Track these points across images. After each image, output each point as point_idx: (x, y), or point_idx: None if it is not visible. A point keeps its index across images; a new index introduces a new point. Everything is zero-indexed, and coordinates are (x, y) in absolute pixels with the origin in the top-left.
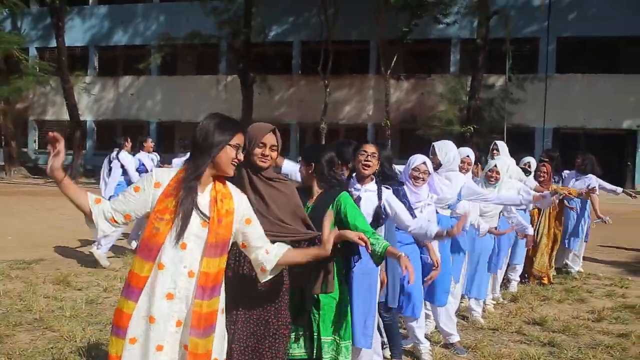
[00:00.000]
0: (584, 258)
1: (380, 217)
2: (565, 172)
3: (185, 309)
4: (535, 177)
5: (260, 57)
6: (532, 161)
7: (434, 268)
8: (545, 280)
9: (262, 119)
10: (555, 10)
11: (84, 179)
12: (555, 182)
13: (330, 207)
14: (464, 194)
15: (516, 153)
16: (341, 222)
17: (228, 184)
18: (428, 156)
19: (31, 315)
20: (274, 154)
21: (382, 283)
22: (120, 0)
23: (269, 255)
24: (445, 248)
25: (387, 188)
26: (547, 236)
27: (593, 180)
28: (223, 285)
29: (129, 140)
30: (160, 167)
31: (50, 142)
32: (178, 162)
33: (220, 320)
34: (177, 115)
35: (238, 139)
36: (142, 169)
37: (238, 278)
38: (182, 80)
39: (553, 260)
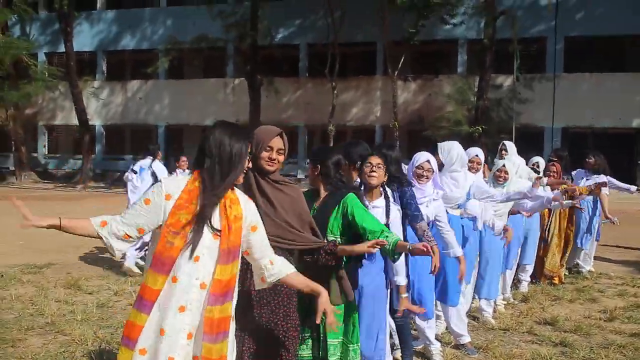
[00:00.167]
0: (595, 257)
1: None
2: (573, 172)
3: (196, 321)
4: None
5: (267, 60)
6: (541, 161)
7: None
8: (556, 280)
9: (269, 121)
10: (562, 10)
11: (93, 183)
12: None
13: (335, 210)
14: (473, 193)
15: (525, 153)
16: (349, 224)
17: (235, 189)
18: (437, 156)
19: (43, 319)
20: (281, 158)
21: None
22: (127, 4)
23: (273, 267)
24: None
25: (395, 202)
26: (557, 236)
27: (602, 180)
28: (236, 291)
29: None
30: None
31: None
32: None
33: (232, 327)
34: (184, 118)
35: (249, 147)
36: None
37: (247, 282)
38: (189, 83)
39: (565, 260)
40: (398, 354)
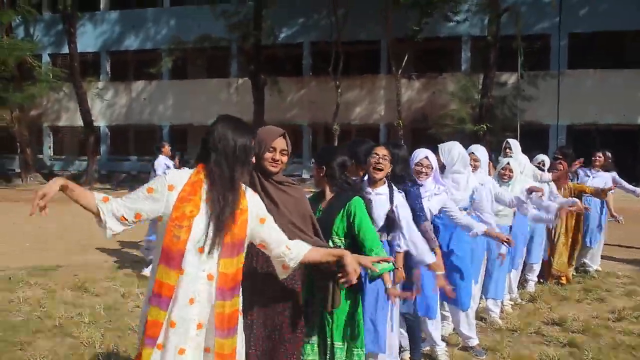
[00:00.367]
0: (602, 257)
1: (393, 221)
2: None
3: (205, 312)
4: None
5: (271, 59)
6: (546, 159)
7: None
8: (564, 280)
9: (273, 120)
10: (566, 6)
11: (98, 184)
12: (570, 180)
13: (341, 212)
14: (472, 202)
15: (530, 151)
16: (350, 227)
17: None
18: (438, 157)
19: (51, 321)
20: (284, 158)
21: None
22: (131, 5)
23: (290, 252)
24: (466, 251)
25: (399, 192)
26: (564, 235)
27: (609, 178)
28: (241, 286)
29: (166, 146)
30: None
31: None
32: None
33: (240, 320)
34: (188, 118)
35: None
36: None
37: (252, 280)
38: (193, 83)
39: (574, 259)
40: (407, 355)
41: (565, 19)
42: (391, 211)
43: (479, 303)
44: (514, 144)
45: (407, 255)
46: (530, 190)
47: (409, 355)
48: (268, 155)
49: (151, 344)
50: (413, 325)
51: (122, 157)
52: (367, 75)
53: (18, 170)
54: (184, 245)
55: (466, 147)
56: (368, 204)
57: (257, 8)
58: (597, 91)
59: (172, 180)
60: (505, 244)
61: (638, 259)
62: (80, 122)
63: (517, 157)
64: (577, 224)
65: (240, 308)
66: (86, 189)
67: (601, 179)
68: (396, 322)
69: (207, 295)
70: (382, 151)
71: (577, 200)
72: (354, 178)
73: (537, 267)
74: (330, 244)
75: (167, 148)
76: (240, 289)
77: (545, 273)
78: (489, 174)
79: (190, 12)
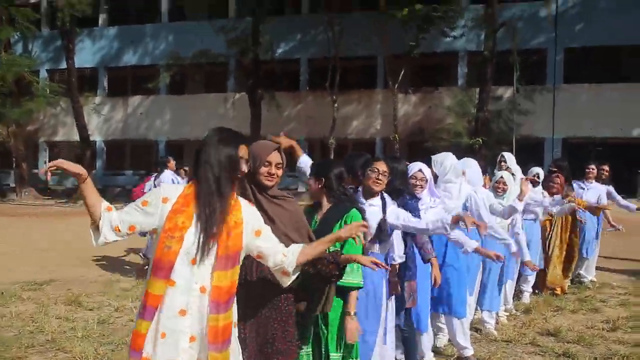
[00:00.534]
0: (596, 268)
1: (384, 231)
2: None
3: (198, 325)
4: (547, 189)
5: (268, 75)
6: (541, 172)
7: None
8: (559, 291)
9: (270, 135)
10: (562, 21)
11: None
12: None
13: (338, 223)
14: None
15: (525, 164)
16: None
17: (237, 196)
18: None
19: (43, 336)
20: (280, 172)
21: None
22: (129, 20)
23: (287, 258)
24: (461, 259)
25: (392, 201)
26: (559, 247)
27: (603, 191)
28: (235, 297)
29: (171, 161)
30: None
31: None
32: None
33: (234, 333)
34: (186, 133)
35: (242, 151)
36: None
37: (246, 291)
38: (190, 99)
39: (570, 271)
40: None
41: (561, 33)
42: (383, 220)
43: (474, 315)
44: (509, 157)
45: (402, 267)
46: (519, 198)
47: None
48: (264, 169)
49: (135, 356)
50: (408, 338)
51: (118, 171)
52: (363, 90)
53: (13, 185)
54: (175, 256)
55: (466, 160)
56: (362, 215)
57: (255, 24)
58: (593, 105)
59: (166, 193)
60: (496, 260)
61: (632, 269)
62: (76, 137)
63: (511, 171)
64: (572, 237)
65: (235, 320)
66: (99, 195)
67: (595, 191)
68: (391, 335)
69: (200, 307)
70: (382, 167)
71: (574, 204)
72: (350, 187)
73: (531, 279)
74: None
75: (172, 163)
76: (234, 301)
77: (540, 284)
78: (486, 186)
79: (189, 28)
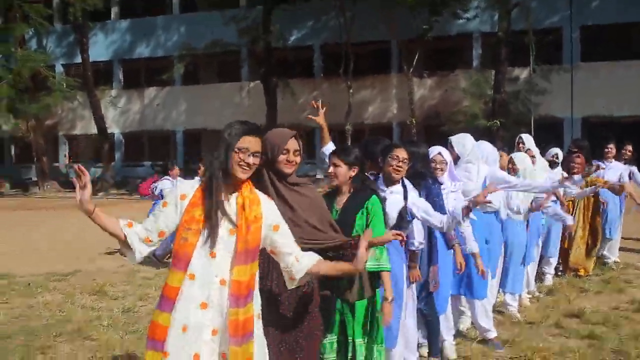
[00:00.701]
0: (620, 248)
1: (404, 218)
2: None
3: (220, 318)
4: (568, 169)
5: (282, 62)
6: (559, 152)
7: (458, 271)
8: (582, 272)
9: (286, 123)
10: None
11: (114, 190)
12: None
13: (361, 210)
14: (488, 184)
15: (544, 145)
16: (368, 225)
17: (255, 189)
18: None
19: (70, 325)
20: (298, 159)
21: (413, 278)
22: (141, 13)
23: (299, 263)
24: (481, 241)
25: (414, 189)
26: (582, 228)
27: (624, 169)
28: (257, 290)
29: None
30: None
31: (76, 175)
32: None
33: (258, 325)
34: (202, 123)
35: (244, 142)
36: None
37: (268, 282)
38: (205, 89)
39: (594, 251)
40: (425, 350)
41: (576, 11)
42: (404, 208)
43: (497, 297)
44: (527, 138)
45: (425, 252)
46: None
47: (427, 351)
48: (282, 157)
49: (155, 346)
50: (431, 322)
51: (137, 163)
52: (378, 75)
53: (35, 179)
54: (192, 248)
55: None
56: (382, 203)
57: (266, 12)
58: (611, 83)
59: (183, 189)
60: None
61: None
62: (94, 130)
63: (531, 152)
64: (595, 217)
65: (258, 313)
66: (110, 217)
67: (615, 170)
68: (413, 317)
69: (220, 300)
70: (402, 154)
71: (595, 188)
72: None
73: (554, 261)
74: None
75: (176, 170)
76: (257, 295)
77: (563, 265)
78: (503, 169)
79: (200, 19)
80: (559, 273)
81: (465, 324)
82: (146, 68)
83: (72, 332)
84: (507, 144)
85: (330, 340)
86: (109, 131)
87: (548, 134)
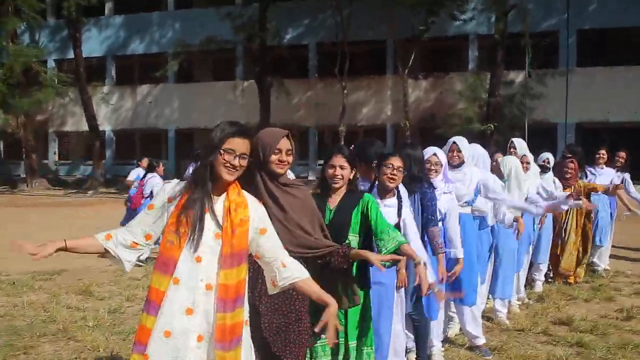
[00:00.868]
0: (610, 256)
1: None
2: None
3: (206, 324)
4: (561, 175)
5: (277, 61)
6: (551, 157)
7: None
8: (572, 279)
9: (280, 122)
10: (574, 2)
11: (104, 189)
12: (579, 178)
13: (356, 208)
14: (481, 192)
15: (538, 150)
16: (365, 221)
17: (244, 192)
18: (445, 152)
19: (55, 325)
20: (290, 159)
21: (403, 282)
22: (135, 9)
23: (285, 270)
24: (471, 246)
25: (407, 199)
26: (575, 233)
27: (615, 176)
28: (246, 296)
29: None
30: None
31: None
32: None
33: (246, 331)
34: (194, 122)
35: (231, 144)
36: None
37: (257, 284)
38: (199, 86)
39: (586, 259)
40: (413, 356)
41: (573, 15)
42: (397, 224)
43: (486, 303)
44: (519, 143)
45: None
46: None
47: (415, 356)
48: (274, 157)
49: (140, 349)
50: (420, 327)
51: (127, 161)
52: (373, 76)
53: (23, 176)
54: (178, 252)
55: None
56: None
57: (262, 9)
58: (607, 89)
59: (170, 192)
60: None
61: None
62: (85, 127)
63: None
64: (586, 222)
65: (247, 319)
66: (85, 237)
67: (606, 177)
68: (402, 323)
69: (206, 306)
70: (397, 162)
71: (582, 201)
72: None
73: (544, 267)
74: (345, 241)
75: (161, 168)
76: (246, 301)
77: (553, 272)
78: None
79: (195, 15)
80: (549, 280)
81: (453, 330)
82: (140, 65)
83: (57, 332)
84: (501, 148)
85: (322, 343)
86: (100, 128)
87: (542, 139)
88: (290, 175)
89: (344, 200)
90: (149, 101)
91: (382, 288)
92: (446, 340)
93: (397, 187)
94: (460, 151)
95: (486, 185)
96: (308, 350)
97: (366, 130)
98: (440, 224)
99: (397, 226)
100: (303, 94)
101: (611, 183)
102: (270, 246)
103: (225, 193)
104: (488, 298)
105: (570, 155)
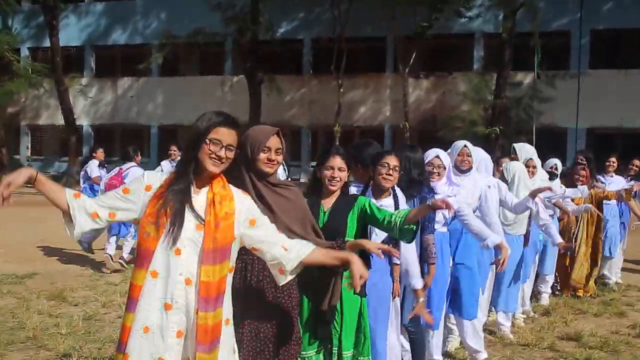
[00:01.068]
0: (622, 269)
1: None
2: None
3: (185, 319)
4: (572, 181)
5: (269, 56)
6: (559, 163)
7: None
8: (581, 293)
9: (271, 121)
10: (588, 1)
11: (79, 187)
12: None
13: (352, 208)
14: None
15: (546, 155)
16: (362, 219)
17: (230, 185)
18: (452, 155)
19: (24, 333)
20: (280, 158)
21: (395, 293)
22: None
23: (288, 253)
24: (473, 257)
25: (405, 201)
26: (586, 244)
27: (626, 186)
28: (228, 294)
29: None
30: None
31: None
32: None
33: (226, 332)
34: (179, 118)
35: (217, 134)
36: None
37: (246, 289)
38: (184, 81)
39: (597, 270)
40: None
41: (586, 14)
42: None
43: (489, 316)
44: (520, 148)
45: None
46: (532, 195)
47: None
48: (263, 155)
49: (118, 348)
50: (416, 339)
51: (106, 159)
52: (371, 73)
53: None
54: (155, 243)
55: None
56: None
57: (254, 0)
58: (621, 93)
59: (149, 180)
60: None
61: None
62: (61, 121)
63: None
64: (597, 233)
65: (227, 318)
66: (58, 184)
67: (616, 185)
68: (397, 333)
69: (186, 300)
70: (393, 161)
71: (590, 206)
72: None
73: (550, 279)
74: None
75: (139, 158)
76: (226, 300)
77: (562, 284)
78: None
79: (183, 5)
80: (556, 292)
81: (453, 343)
82: (121, 56)
83: (26, 340)
84: (507, 153)
85: (317, 352)
86: (77, 123)
87: (550, 144)
88: (282, 176)
89: (339, 203)
90: (130, 95)
91: (381, 288)
92: (446, 355)
93: (393, 188)
94: (470, 155)
95: (487, 200)
96: None
97: (363, 131)
98: (445, 228)
99: None
100: (296, 91)
101: (625, 190)
102: (264, 234)
103: (209, 185)
104: (490, 310)
105: (583, 162)
